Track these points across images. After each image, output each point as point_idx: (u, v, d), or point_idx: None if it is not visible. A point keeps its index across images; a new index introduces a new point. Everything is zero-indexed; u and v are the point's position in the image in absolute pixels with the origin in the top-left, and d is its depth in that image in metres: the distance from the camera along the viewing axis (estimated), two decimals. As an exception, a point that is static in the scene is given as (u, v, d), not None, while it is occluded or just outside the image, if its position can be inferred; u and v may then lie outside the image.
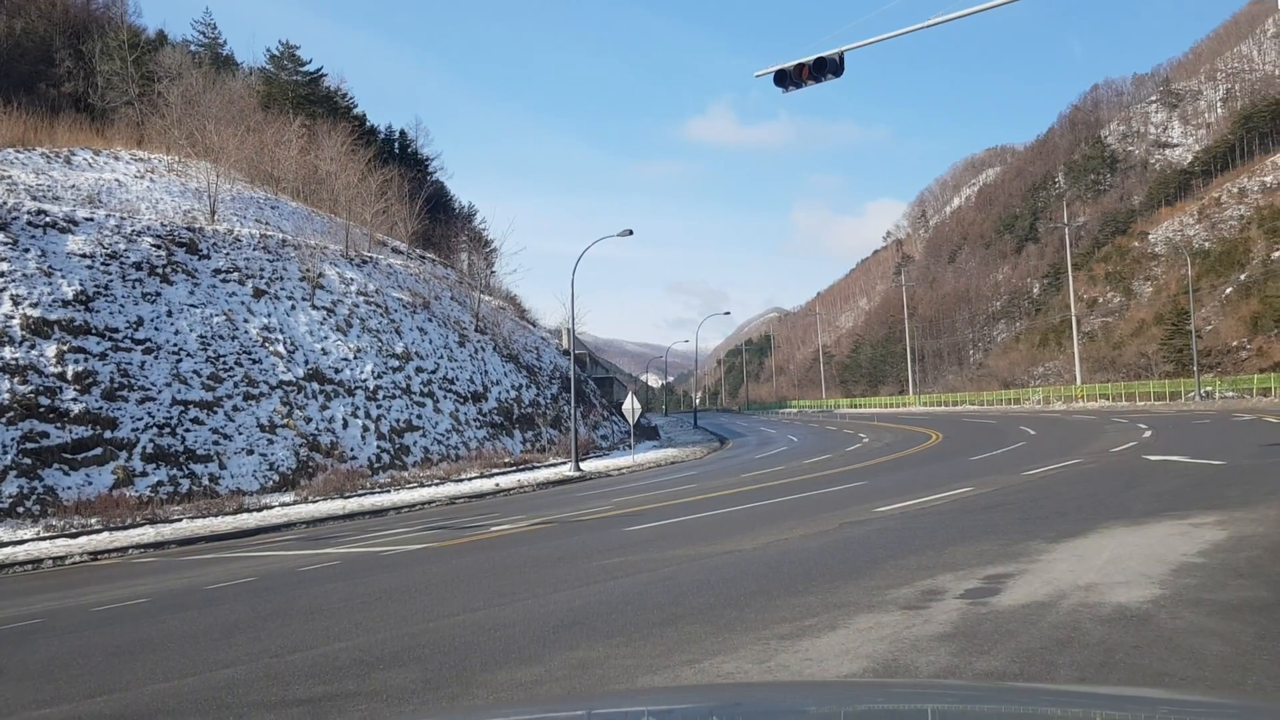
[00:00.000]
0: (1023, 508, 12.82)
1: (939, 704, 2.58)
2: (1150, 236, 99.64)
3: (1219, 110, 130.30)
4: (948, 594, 7.33)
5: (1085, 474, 17.56)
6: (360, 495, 27.20)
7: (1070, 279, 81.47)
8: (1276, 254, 77.05)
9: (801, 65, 16.00)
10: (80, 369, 26.04)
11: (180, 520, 22.89)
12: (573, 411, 35.78)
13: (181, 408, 27.53)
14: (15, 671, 7.56)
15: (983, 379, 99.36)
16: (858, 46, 16.68)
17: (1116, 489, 14.57)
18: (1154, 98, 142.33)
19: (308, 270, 36.53)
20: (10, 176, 33.56)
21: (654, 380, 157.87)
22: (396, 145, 73.07)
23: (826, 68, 15.89)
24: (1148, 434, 27.79)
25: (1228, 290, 77.28)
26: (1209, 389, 58.31)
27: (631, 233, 35.75)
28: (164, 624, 9.35)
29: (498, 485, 28.31)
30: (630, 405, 39.08)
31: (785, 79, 16.13)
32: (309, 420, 30.48)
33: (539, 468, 34.66)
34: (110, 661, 7.57)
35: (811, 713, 2.57)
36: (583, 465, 33.41)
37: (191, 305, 30.95)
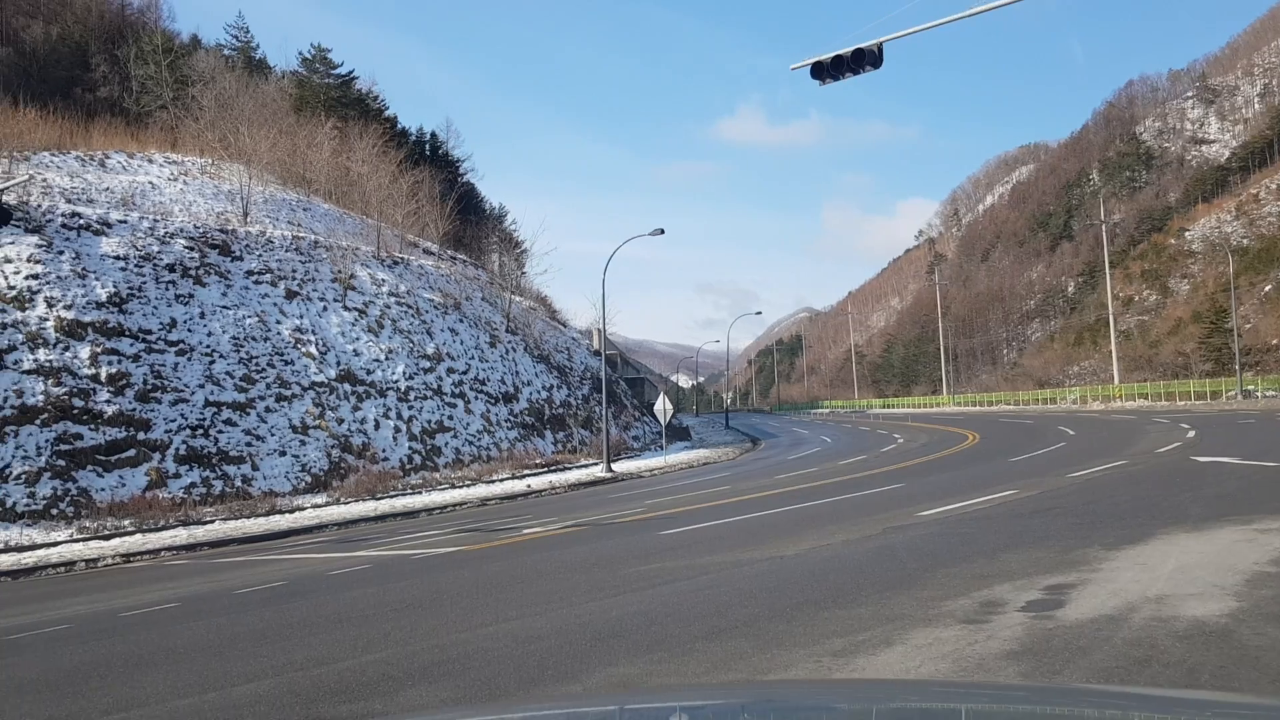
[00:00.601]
0: (1074, 512, 12.35)
1: (973, 704, 2.51)
2: (1187, 234, 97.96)
3: (1256, 106, 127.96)
4: (1008, 606, 6.92)
5: (1133, 476, 17.01)
6: (392, 496, 27.09)
7: (1108, 277, 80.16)
8: (1320, 251, 75.44)
9: (839, 57, 15.60)
10: (114, 370, 26.08)
11: (213, 522, 22.84)
12: (604, 412, 35.50)
13: (214, 409, 27.52)
14: (36, 683, 7.35)
15: (1017, 378, 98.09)
16: (896, 37, 16.26)
17: (1170, 492, 14.05)
18: (1190, 93, 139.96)
19: (340, 271, 36.51)
20: (46, 179, 33.75)
21: (684, 381, 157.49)
22: (427, 147, 73.13)
23: (865, 59, 15.47)
24: (1191, 434, 27.10)
25: (1267, 288, 75.80)
26: (1250, 388, 57.11)
27: (663, 231, 35.44)
28: (190, 631, 9.13)
29: (529, 486, 28.09)
30: (662, 406, 38.77)
31: (822, 71, 15.72)
32: (341, 421, 30.41)
33: (571, 469, 34.42)
34: (132, 673, 7.33)
35: (843, 710, 2.53)
36: (615, 466, 33.13)
37: (224, 307, 30.97)
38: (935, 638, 6.14)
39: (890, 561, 9.40)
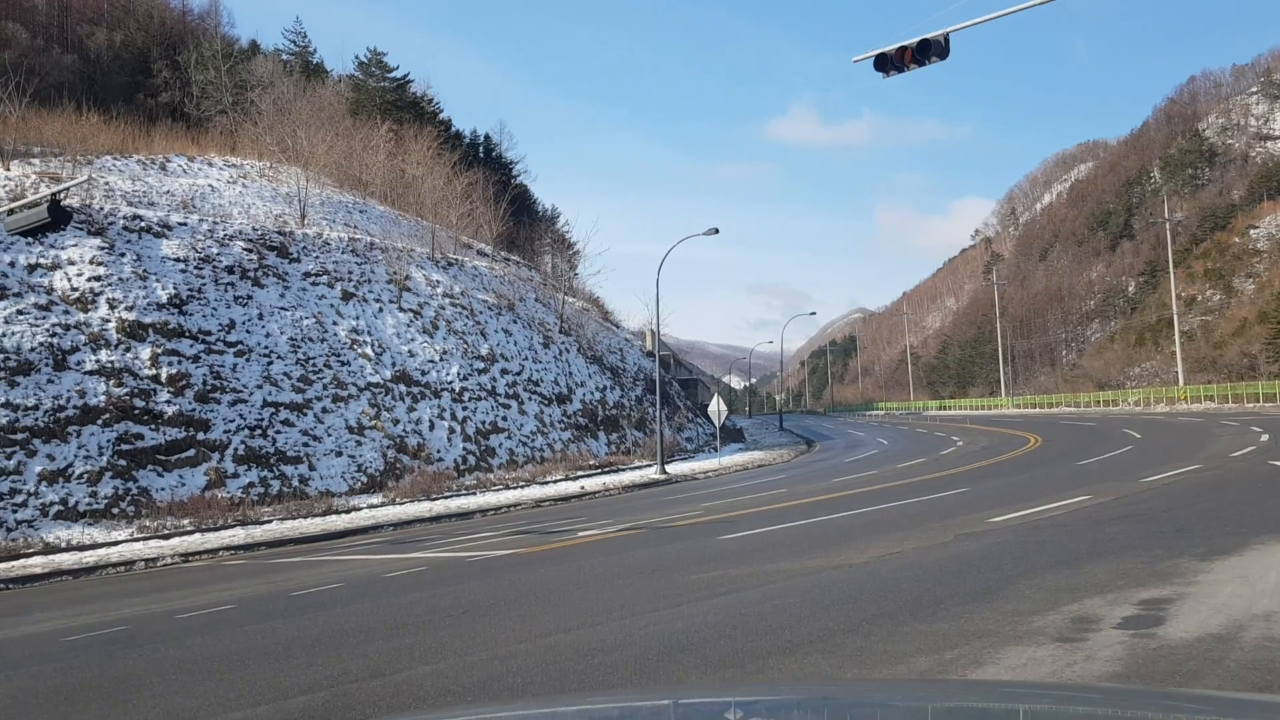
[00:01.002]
0: (1154, 519, 11.80)
1: (1032, 704, 2.49)
2: (1252, 232, 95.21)
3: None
4: (1103, 622, 6.47)
5: (1211, 481, 16.32)
6: (446, 497, 27.06)
7: (1172, 276, 78.16)
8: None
9: (904, 48, 15.13)
10: (174, 371, 26.34)
11: (270, 522, 22.95)
12: (658, 413, 35.23)
13: (272, 409, 27.70)
14: (86, 691, 7.21)
15: (1076, 380, 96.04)
16: (962, 28, 15.77)
17: (1255, 498, 13.42)
18: (1254, 89, 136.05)
19: (395, 273, 36.65)
20: (108, 183, 34.28)
21: (736, 382, 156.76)
22: (481, 149, 73.45)
23: (931, 50, 14.99)
24: (1265, 438, 26.17)
25: (1338, 287, 73.37)
26: (1323, 390, 55.26)
27: (718, 231, 35.10)
28: (245, 636, 8.98)
29: (583, 488, 27.91)
30: (716, 407, 38.38)
31: (886, 63, 15.27)
32: (396, 422, 30.47)
33: (624, 470, 34.19)
34: (184, 681, 7.16)
35: (899, 708, 2.52)
36: (669, 468, 32.83)
37: (282, 308, 31.19)
38: (1029, 657, 5.72)
39: (967, 571, 8.96)
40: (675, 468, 33.85)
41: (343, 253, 35.87)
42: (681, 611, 8.09)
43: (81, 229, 27.89)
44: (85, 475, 22.68)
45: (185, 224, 31.73)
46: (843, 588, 8.63)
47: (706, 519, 16.76)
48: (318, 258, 34.62)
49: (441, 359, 34.28)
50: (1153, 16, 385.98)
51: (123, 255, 28.43)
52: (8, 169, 31.19)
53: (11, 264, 25.79)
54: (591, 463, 35.10)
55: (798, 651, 6.33)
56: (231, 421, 26.54)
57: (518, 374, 37.25)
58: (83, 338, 25.37)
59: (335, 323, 32.32)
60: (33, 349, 24.16)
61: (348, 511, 24.59)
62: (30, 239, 24.97)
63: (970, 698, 2.74)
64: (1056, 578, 8.16)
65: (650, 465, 34.16)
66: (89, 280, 26.90)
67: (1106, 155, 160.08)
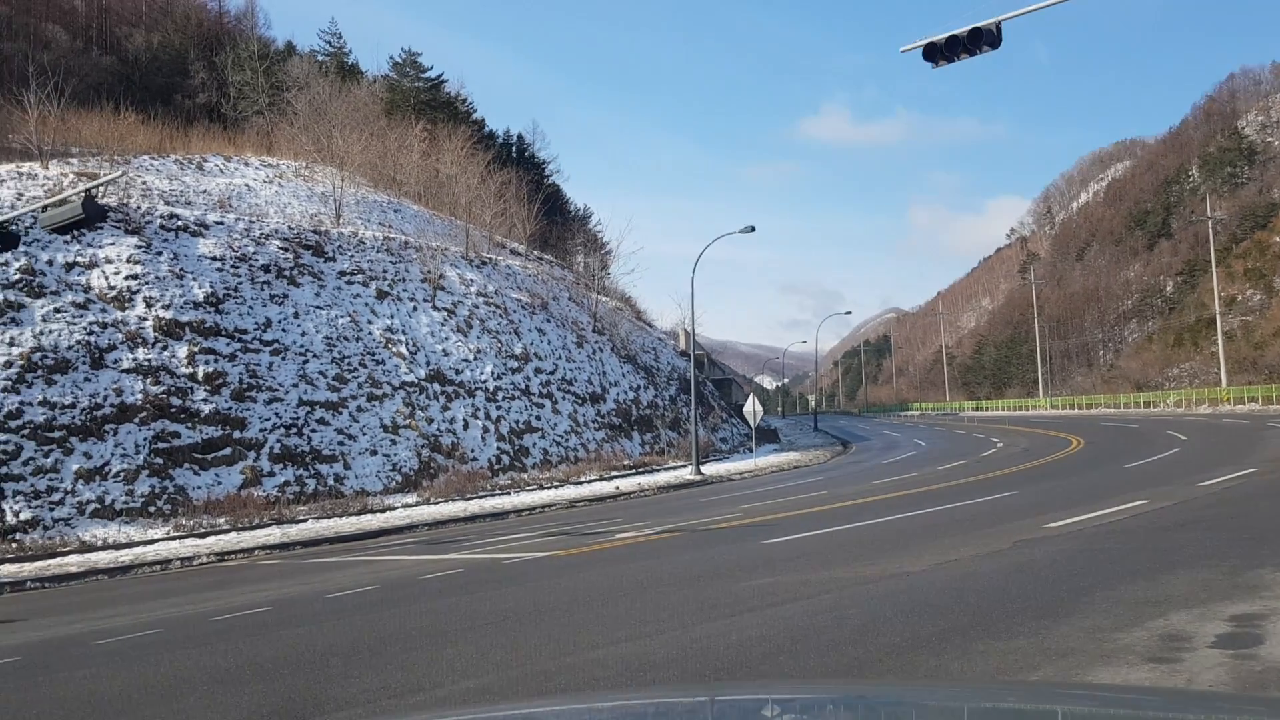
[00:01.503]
0: (1223, 526, 11.27)
1: (1071, 706, 2.46)
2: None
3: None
4: (1195, 640, 6.00)
5: (1274, 486, 15.72)
6: (481, 497, 26.86)
7: (1215, 276, 76.71)
8: None
9: (954, 37, 14.69)
10: (210, 370, 26.30)
11: (306, 521, 22.83)
12: (693, 413, 34.86)
13: (308, 408, 27.62)
14: (114, 701, 6.92)
15: (1114, 381, 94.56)
16: (1014, 16, 15.28)
17: (1326, 505, 12.86)
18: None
19: (429, 272, 36.52)
20: (145, 182, 34.39)
21: (769, 382, 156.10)
22: (514, 149, 73.37)
23: (982, 39, 14.53)
24: (1320, 441, 25.43)
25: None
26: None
27: (754, 229, 34.65)
28: (281, 642, 8.69)
29: (617, 488, 27.60)
30: (752, 407, 37.97)
31: (935, 53, 14.82)
32: (430, 421, 30.30)
33: (658, 470, 33.84)
34: (216, 692, 6.86)
35: (933, 708, 2.50)
36: (703, 468, 32.44)
37: (317, 307, 31.13)
38: (1123, 679, 5.28)
39: (1034, 582, 8.50)
40: (710, 468, 33.47)
41: (377, 252, 35.80)
42: (735, 624, 7.70)
43: (119, 228, 27.95)
44: (122, 474, 22.66)
45: (222, 223, 31.75)
46: (903, 598, 8.19)
47: (747, 522, 16.37)
48: (353, 257, 34.56)
49: (475, 358, 34.10)
50: (1191, 14, 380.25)
51: (160, 254, 28.46)
52: (46, 168, 31.35)
53: (49, 262, 25.86)
54: (626, 463, 34.78)
55: (867, 670, 5.92)
56: (267, 420, 26.47)
57: (551, 373, 37.00)
58: (120, 336, 25.38)
59: (370, 321, 32.22)
60: (70, 347, 24.19)
61: (382, 511, 24.44)
62: (68, 237, 25.04)
63: (1008, 699, 2.69)
64: (1133, 589, 7.69)
65: (685, 466, 33.79)
66: (126, 279, 26.93)
67: (1144, 154, 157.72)
